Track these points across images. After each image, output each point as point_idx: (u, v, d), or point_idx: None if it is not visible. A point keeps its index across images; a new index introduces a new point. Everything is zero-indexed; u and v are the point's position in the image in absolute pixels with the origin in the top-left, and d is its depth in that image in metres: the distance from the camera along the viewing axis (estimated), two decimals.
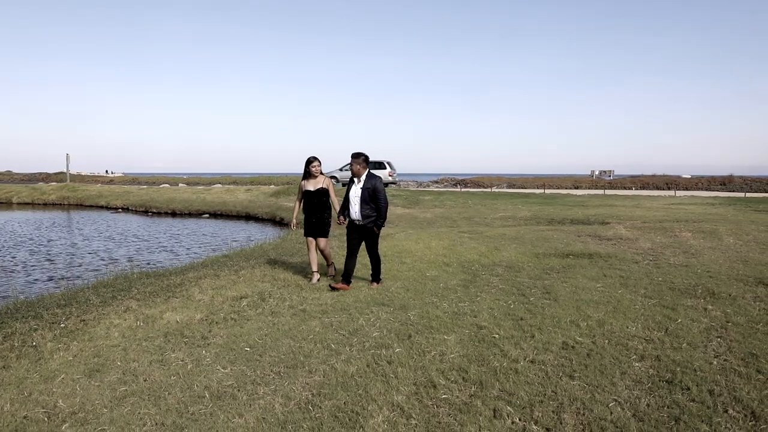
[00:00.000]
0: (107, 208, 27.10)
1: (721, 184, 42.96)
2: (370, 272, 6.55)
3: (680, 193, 34.62)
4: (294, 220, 7.12)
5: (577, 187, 43.25)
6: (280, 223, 19.58)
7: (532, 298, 5.60)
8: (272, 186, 33.83)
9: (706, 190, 40.60)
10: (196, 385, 3.51)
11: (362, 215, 6.19)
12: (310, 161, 6.64)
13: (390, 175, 31.34)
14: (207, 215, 23.19)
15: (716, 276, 6.55)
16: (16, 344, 4.31)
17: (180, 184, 36.84)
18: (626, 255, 8.23)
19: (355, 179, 6.28)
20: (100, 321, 4.95)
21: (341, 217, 6.37)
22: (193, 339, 4.47)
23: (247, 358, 4.00)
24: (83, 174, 52.25)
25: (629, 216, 15.65)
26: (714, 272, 6.79)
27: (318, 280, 6.65)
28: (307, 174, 6.70)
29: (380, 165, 31.29)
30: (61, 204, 29.28)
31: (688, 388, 3.30)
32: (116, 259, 11.47)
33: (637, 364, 3.73)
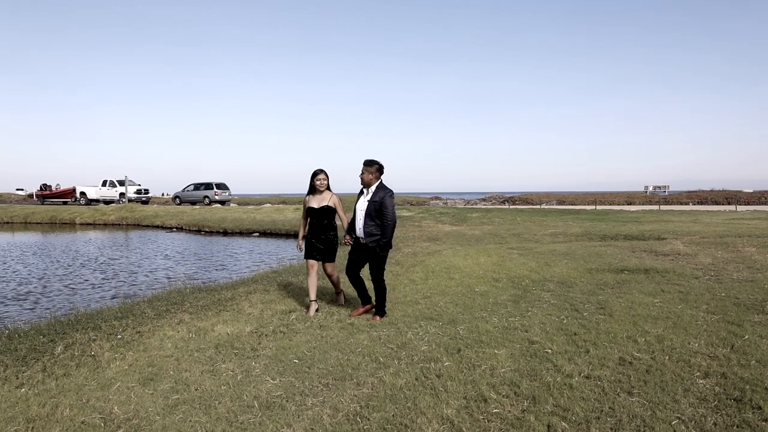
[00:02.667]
0: (162, 227, 28.00)
1: None
2: (373, 300, 5.80)
3: (741, 207, 33.04)
4: (300, 241, 6.13)
5: (630, 203, 41.92)
6: None
7: (585, 314, 5.41)
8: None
9: None
10: (246, 395, 3.54)
11: (365, 232, 5.45)
12: (315, 174, 5.83)
13: (215, 195, 36.34)
14: (257, 234, 23.64)
15: None
16: (76, 353, 4.47)
17: (231, 204, 37.75)
18: (685, 270, 7.87)
19: (364, 190, 5.56)
20: (154, 333, 5.08)
21: (348, 237, 5.71)
22: (243, 351, 4.53)
23: (296, 370, 4.01)
24: None
25: (687, 231, 15.01)
26: None
27: (317, 310, 5.83)
28: (313, 189, 5.89)
29: (208, 186, 37.09)
30: (120, 224, 30.46)
31: (760, 408, 3.09)
32: (174, 277, 11.77)
33: (701, 381, 3.53)
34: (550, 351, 4.24)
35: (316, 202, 5.83)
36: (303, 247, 6.05)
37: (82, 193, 40.88)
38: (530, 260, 9.32)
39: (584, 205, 41.11)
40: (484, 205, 43.69)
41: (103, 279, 11.71)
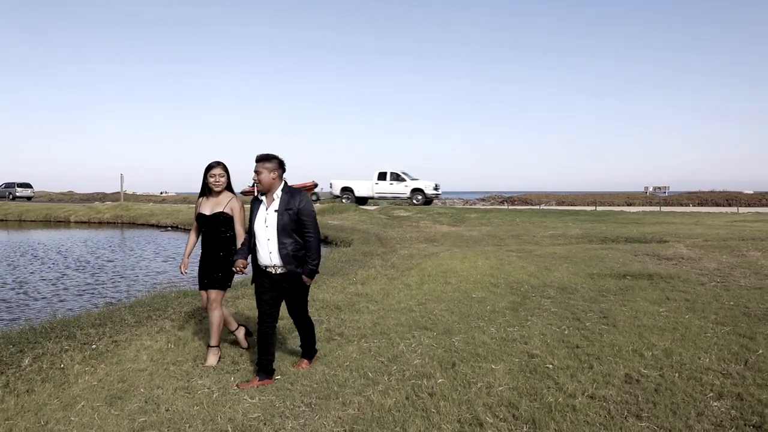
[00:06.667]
0: (158, 226, 27.67)
1: None
2: (299, 344, 4.30)
3: (743, 209, 32.75)
4: (185, 259, 4.54)
5: (630, 204, 41.57)
6: (323, 241, 19.39)
7: (588, 323, 5.13)
8: (317, 204, 34.08)
9: None
10: (220, 417, 3.25)
11: (283, 256, 3.76)
12: (209, 168, 4.32)
13: (17, 191, 43.69)
14: None
15: None
16: (44, 366, 4.19)
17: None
18: (690, 276, 7.59)
19: (263, 198, 3.89)
20: (131, 342, 4.80)
21: (240, 262, 3.86)
22: (222, 364, 4.24)
23: (277, 387, 3.74)
24: (137, 194, 53.91)
25: (689, 234, 14.73)
26: None
27: (219, 360, 4.31)
28: (206, 189, 4.40)
29: (11, 185, 42.93)
30: (115, 222, 30.10)
31: None
32: (177, 282, 11.38)
33: (715, 404, 3.25)
34: (551, 366, 3.96)
35: (208, 208, 4.35)
36: (185, 270, 4.55)
37: (346, 189, 29.33)
38: (529, 264, 9.04)
39: (584, 205, 40.77)
40: (483, 205, 43.34)
41: (96, 282, 11.34)
